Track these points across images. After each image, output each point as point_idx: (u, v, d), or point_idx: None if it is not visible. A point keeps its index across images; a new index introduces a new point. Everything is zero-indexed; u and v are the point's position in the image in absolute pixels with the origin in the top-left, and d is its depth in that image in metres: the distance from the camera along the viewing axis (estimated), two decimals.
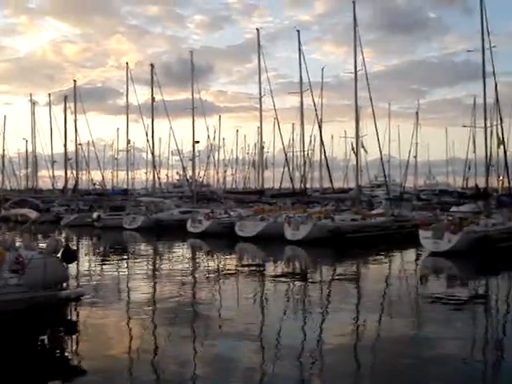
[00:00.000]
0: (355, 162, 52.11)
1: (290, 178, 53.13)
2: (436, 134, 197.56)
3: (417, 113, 75.59)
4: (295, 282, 22.98)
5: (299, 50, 47.54)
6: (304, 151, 51.76)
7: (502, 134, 45.52)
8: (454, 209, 45.29)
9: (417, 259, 30.40)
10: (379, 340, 13.75)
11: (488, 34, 37.80)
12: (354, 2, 43.21)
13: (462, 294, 20.92)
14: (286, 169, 54.79)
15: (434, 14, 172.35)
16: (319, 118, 49.90)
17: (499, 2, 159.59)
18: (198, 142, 63.51)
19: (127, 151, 68.08)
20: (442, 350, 12.59)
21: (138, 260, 30.42)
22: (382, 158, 49.06)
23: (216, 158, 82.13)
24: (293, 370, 11.24)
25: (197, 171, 67.97)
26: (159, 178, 68.50)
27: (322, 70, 58.44)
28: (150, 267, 27.94)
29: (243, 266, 28.13)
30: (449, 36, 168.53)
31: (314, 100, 47.71)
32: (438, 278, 25.48)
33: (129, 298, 19.65)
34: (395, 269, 27.79)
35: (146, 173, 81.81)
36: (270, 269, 27.50)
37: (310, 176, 67.73)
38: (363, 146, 57.54)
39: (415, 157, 74.49)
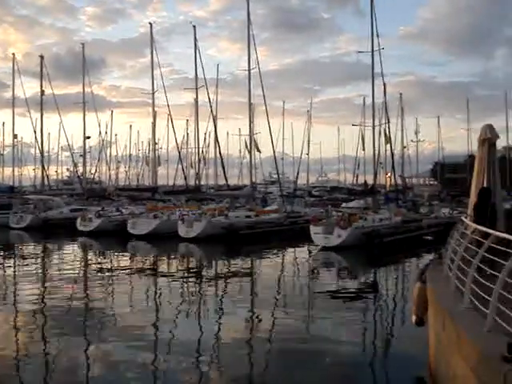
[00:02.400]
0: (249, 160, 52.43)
1: (184, 175, 52.71)
2: (328, 132, 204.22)
3: (309, 111, 77.29)
4: (189, 280, 22.70)
5: (195, 45, 47.29)
6: (198, 148, 51.54)
7: (389, 133, 47.56)
8: (344, 205, 46.79)
9: (308, 254, 31.00)
10: (272, 334, 13.81)
11: (377, 36, 39.34)
12: (247, 0, 43.44)
13: (352, 286, 21.55)
14: (180, 166, 54.30)
15: (328, 14, 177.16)
16: (214, 114, 49.80)
17: (389, 6, 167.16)
18: (89, 137, 61.55)
19: (13, 146, 64.88)
20: (334, 341, 12.93)
21: (24, 261, 28.92)
22: (275, 156, 49.79)
23: (108, 155, 79.99)
24: (187, 367, 11.08)
25: (88, 168, 65.83)
26: (48, 175, 65.69)
27: (218, 66, 57.74)
28: (38, 268, 26.67)
29: (136, 264, 27.47)
30: (341, 37, 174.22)
31: (209, 96, 47.56)
32: (329, 271, 26.10)
33: (14, 300, 18.61)
34: (288, 264, 28.16)
35: (35, 169, 78.18)
36: (164, 267, 27.11)
37: (205, 173, 67.69)
38: (256, 145, 58.02)
39: (308, 154, 76.20)
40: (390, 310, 17.21)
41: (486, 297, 6.47)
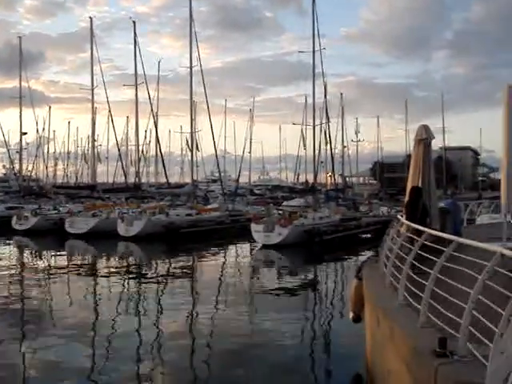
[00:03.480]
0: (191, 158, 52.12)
1: (124, 173, 51.99)
2: (270, 131, 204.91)
3: (251, 110, 77.39)
4: (129, 280, 22.35)
5: (134, 41, 46.57)
6: (138, 145, 50.85)
7: (330, 133, 48.18)
8: (285, 203, 47.16)
9: (249, 252, 31.07)
10: (213, 333, 13.78)
11: (319, 37, 39.81)
12: None
13: (292, 283, 21.68)
14: (120, 163, 53.53)
15: (271, 13, 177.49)
16: (155, 111, 49.28)
17: (332, 7, 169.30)
18: (25, 133, 59.78)
19: None
20: (274, 338, 13.01)
21: None
22: (216, 154, 49.68)
23: (46, 151, 77.90)
24: (127, 368, 10.90)
25: (25, 165, 64.03)
26: None
27: (159, 63, 57.09)
28: None
29: (73, 264, 26.87)
30: (284, 36, 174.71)
31: (149, 93, 46.99)
32: (270, 269, 26.22)
33: None
34: (229, 262, 28.16)
35: None
36: (102, 266, 26.58)
37: (146, 171, 66.79)
38: (197, 143, 57.74)
39: (250, 153, 76.26)
40: (330, 307, 17.42)
41: (419, 293, 6.60)
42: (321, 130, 45.40)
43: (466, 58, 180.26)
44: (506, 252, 4.91)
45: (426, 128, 12.43)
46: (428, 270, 6.58)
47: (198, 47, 43.35)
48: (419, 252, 7.35)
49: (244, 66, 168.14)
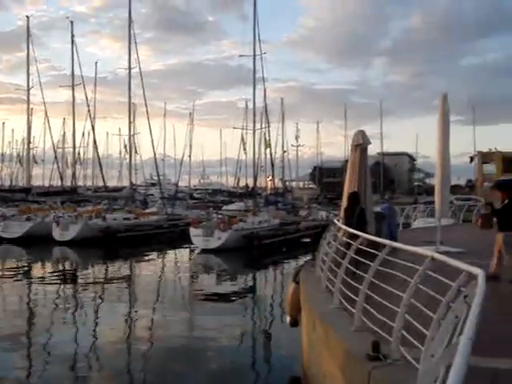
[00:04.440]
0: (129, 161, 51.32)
1: (60, 176, 50.76)
2: (211, 135, 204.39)
3: (191, 113, 76.99)
4: (64, 285, 21.80)
5: (72, 41, 45.70)
6: (75, 148, 49.78)
7: (269, 137, 48.48)
8: (225, 207, 47.09)
9: (188, 257, 30.81)
10: (152, 339, 13.59)
11: (260, 41, 39.98)
12: None
13: (231, 288, 21.62)
14: (56, 166, 52.24)
15: (213, 17, 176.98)
16: (92, 113, 48.35)
17: (274, 12, 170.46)
18: None
19: None
20: (213, 343, 12.93)
21: None
22: (155, 157, 49.20)
23: None
24: (63, 374, 10.64)
25: None
26: None
27: (96, 64, 56.00)
28: None
29: (6, 270, 25.95)
30: (225, 40, 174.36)
31: (86, 95, 46.13)
32: (209, 274, 26.06)
33: None
34: (167, 267, 27.85)
35: None
36: (37, 272, 25.80)
37: (83, 174, 65.48)
38: (135, 146, 56.99)
39: (190, 156, 75.83)
40: (269, 311, 17.44)
41: (354, 297, 6.64)
42: (261, 135, 45.63)
43: (403, 66, 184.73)
44: (437, 256, 4.98)
45: (362, 134, 12.63)
46: (363, 274, 6.63)
47: (136, 49, 42.83)
48: (354, 256, 7.41)
49: (185, 69, 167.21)
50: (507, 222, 10.02)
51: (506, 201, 10.32)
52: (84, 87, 45.82)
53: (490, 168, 69.50)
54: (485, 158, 71.04)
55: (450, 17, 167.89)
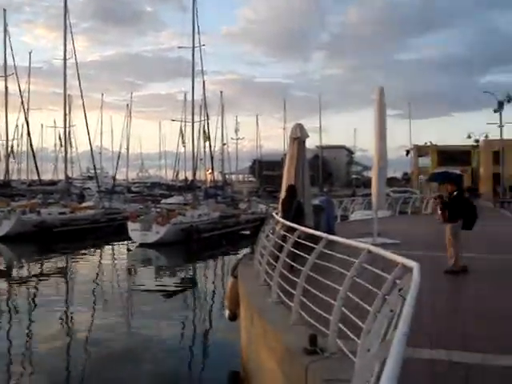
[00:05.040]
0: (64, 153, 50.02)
1: None
2: (150, 127, 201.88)
3: (128, 105, 75.59)
4: None
5: (5, 30, 44.03)
6: (8, 140, 48.09)
7: (209, 130, 48.20)
8: (163, 201, 46.56)
9: (126, 251, 30.31)
10: (90, 334, 13.34)
11: (199, 33, 39.66)
12: None
13: (170, 282, 21.40)
14: None
15: (151, 8, 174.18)
16: (26, 105, 46.81)
17: (214, 4, 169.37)
18: None
19: None
20: (153, 337, 12.82)
21: None
22: (92, 150, 48.18)
23: None
24: None
25: None
26: None
27: (30, 54, 54.22)
28: None
29: None
30: (164, 32, 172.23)
31: (19, 85, 44.56)
32: (147, 268, 25.71)
33: None
34: (105, 262, 27.30)
35: None
36: None
37: (17, 167, 63.37)
38: (70, 139, 55.66)
39: (127, 149, 74.49)
40: (209, 305, 17.35)
41: (292, 291, 6.60)
42: (200, 127, 45.31)
43: (342, 60, 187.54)
44: (373, 249, 4.98)
45: (300, 127, 12.64)
46: (300, 268, 6.60)
47: (72, 39, 41.63)
48: (292, 249, 7.38)
49: (123, 60, 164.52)
50: (455, 214, 10.26)
51: (455, 193, 10.58)
52: (17, 77, 44.32)
53: (426, 161, 71.48)
54: (420, 151, 72.97)
55: (388, 12, 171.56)
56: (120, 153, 70.26)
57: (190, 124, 41.69)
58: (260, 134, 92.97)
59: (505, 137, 45.29)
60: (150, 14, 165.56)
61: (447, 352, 5.30)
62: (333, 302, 5.32)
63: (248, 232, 33.85)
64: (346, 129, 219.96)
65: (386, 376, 2.19)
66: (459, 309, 7.41)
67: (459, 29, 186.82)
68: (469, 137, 56.06)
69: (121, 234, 32.62)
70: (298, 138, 12.50)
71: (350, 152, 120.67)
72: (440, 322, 6.58)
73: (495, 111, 43.16)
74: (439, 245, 11.03)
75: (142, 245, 29.89)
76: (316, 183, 69.53)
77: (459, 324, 6.46)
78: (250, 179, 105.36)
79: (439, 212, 10.94)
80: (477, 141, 59.37)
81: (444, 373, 4.86)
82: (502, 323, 6.60)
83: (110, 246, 32.33)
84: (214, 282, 22.33)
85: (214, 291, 19.82)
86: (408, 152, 75.93)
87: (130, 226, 30.60)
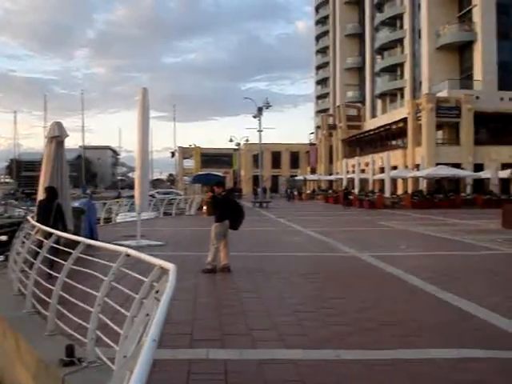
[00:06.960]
0: None
1: None
2: None
3: None
4: None
5: None
6: None
7: None
8: None
9: None
10: None
11: None
12: None
13: None
14: None
15: None
16: None
17: None
18: None
19: None
20: None
21: None
22: None
23: None
24: None
25: None
26: None
27: None
28: None
29: None
30: None
31: None
32: None
33: None
34: None
35: None
36: None
37: None
38: None
39: None
40: None
41: (48, 300, 6.21)
42: None
43: (107, 59, 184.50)
44: (132, 252, 4.88)
45: (58, 125, 12.09)
46: (56, 275, 6.24)
47: None
48: (48, 256, 6.97)
49: None
50: (223, 214, 10.52)
51: (223, 194, 10.87)
52: None
53: (190, 163, 73.52)
54: (185, 153, 74.83)
55: (154, 15, 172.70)
56: None
57: None
58: (18, 132, 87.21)
59: (263, 141, 48.21)
60: None
61: (206, 350, 5.43)
62: (91, 309, 5.11)
63: (5, 238, 31.48)
64: (111, 129, 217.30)
65: (133, 382, 2.13)
66: (220, 306, 7.63)
67: (223, 36, 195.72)
68: (231, 140, 58.88)
69: None
70: (57, 137, 11.91)
71: (116, 153, 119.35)
72: (200, 320, 6.72)
73: (254, 117, 45.74)
74: (203, 245, 11.27)
75: None
76: (79, 184, 67.49)
77: (217, 322, 6.64)
78: (7, 180, 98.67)
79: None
80: (238, 144, 62.48)
81: (203, 371, 4.96)
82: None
83: None
84: None
85: None
86: (173, 154, 77.46)
87: None
